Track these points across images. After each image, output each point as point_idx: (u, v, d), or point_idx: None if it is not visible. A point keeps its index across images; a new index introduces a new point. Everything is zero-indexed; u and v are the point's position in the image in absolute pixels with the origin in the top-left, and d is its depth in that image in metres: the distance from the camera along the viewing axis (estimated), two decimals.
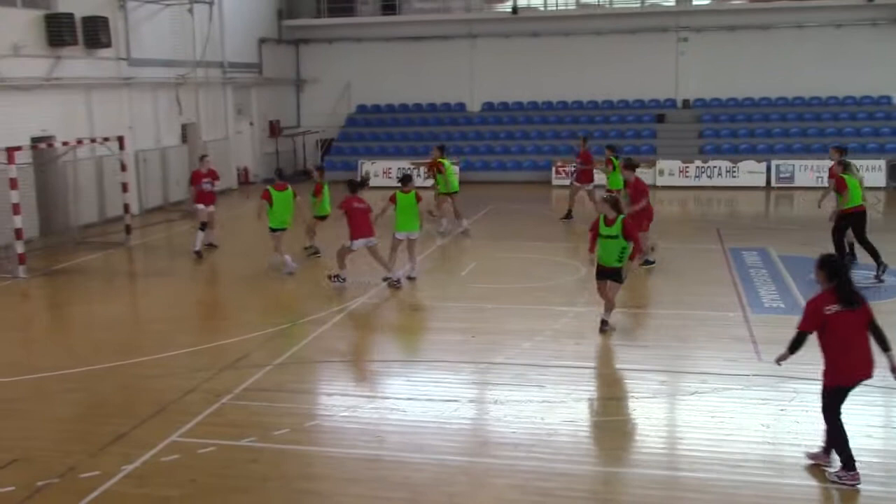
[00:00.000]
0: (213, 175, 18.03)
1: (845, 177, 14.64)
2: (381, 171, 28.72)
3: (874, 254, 14.27)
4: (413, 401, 9.48)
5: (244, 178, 30.02)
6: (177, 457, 8.00)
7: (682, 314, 12.67)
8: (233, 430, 8.62)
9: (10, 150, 16.24)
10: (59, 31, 20.50)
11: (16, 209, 16.13)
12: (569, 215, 20.67)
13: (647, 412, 9.00)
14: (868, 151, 27.42)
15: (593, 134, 30.08)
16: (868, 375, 7.38)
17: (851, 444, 7.35)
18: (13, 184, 16.14)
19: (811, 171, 26.61)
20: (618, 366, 10.42)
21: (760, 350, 10.70)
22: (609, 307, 11.66)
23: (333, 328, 12.23)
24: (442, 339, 11.91)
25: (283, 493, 7.36)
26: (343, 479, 7.81)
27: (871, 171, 26.27)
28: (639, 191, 14.93)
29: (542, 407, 9.10)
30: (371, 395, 9.99)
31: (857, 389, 7.46)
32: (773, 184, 26.87)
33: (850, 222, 14.62)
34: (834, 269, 7.41)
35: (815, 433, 8.24)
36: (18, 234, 16.00)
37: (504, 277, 15.14)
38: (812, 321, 7.37)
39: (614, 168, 18.59)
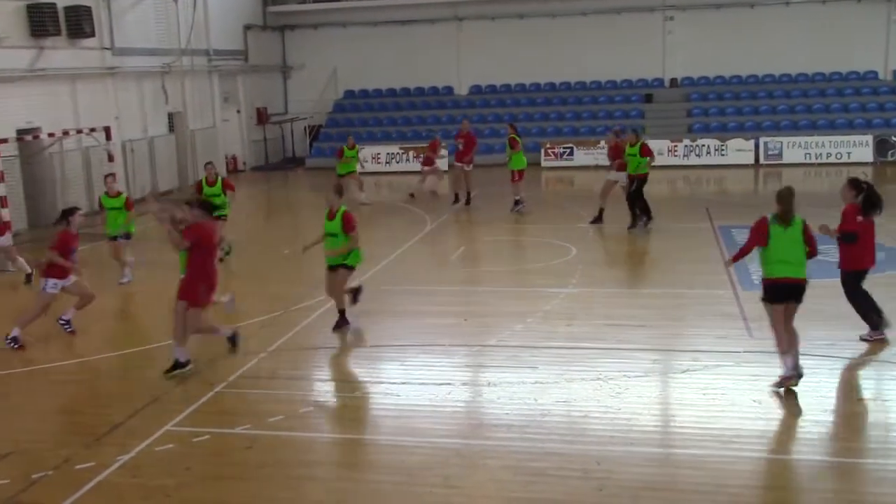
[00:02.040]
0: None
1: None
2: (370, 157, 28.65)
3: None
4: (407, 385, 9.50)
5: (232, 167, 29.91)
6: (172, 446, 8.01)
7: (672, 293, 12.72)
8: (227, 417, 8.64)
9: None
10: (41, 21, 20.34)
11: (3, 202, 16.06)
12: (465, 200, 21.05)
13: (639, 391, 9.04)
14: (855, 127, 27.54)
15: (582, 115, 30.16)
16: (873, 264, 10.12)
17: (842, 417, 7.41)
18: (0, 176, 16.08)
19: (799, 148, 26.71)
20: (610, 346, 10.45)
21: (751, 327, 10.75)
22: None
23: (325, 315, 12.22)
24: (434, 322, 11.92)
25: (279, 480, 7.38)
26: (339, 464, 7.85)
27: (858, 147, 26.41)
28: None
29: (535, 388, 9.13)
30: (365, 380, 10.01)
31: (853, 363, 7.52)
32: (762, 161, 26.94)
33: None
34: (860, 188, 9.95)
35: (807, 407, 8.32)
36: (4, 227, 15.89)
37: (494, 261, 15.15)
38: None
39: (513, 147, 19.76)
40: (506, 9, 31.28)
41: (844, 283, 10.15)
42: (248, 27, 31.04)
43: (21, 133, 18.92)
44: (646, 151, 17.15)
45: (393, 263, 15.10)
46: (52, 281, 11.14)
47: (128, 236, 14.84)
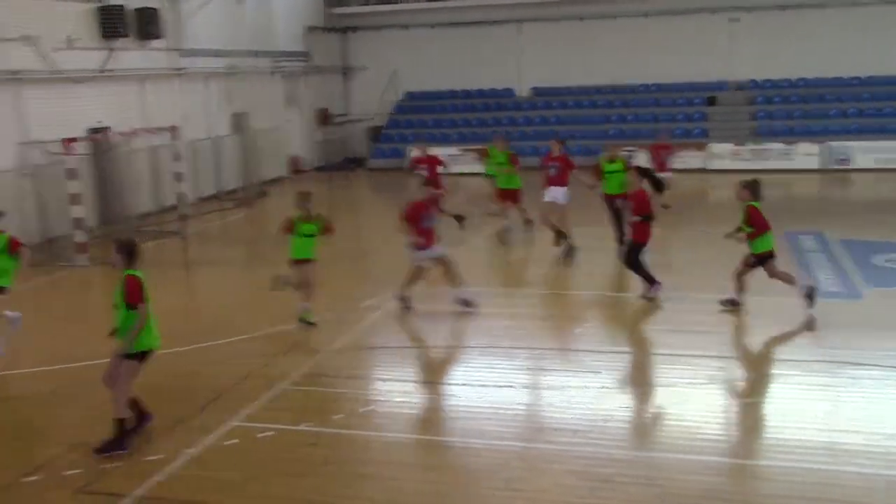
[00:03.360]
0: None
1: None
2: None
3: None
4: (468, 386, 9.51)
5: (295, 167, 30.28)
6: (237, 441, 8.14)
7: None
8: (291, 414, 8.74)
9: (68, 141, 16.61)
10: (111, 23, 20.84)
11: (74, 199, 16.49)
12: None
13: (703, 398, 8.92)
14: None
15: (643, 118, 29.83)
16: None
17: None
18: (71, 174, 16.50)
19: (869, 153, 26.05)
20: (674, 352, 10.32)
21: (819, 335, 10.53)
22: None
23: (388, 314, 12.30)
24: (496, 324, 11.90)
25: (342, 477, 7.44)
26: (399, 464, 7.88)
27: None
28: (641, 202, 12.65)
29: (599, 393, 9.06)
30: (426, 380, 10.05)
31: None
32: (830, 166, 26.34)
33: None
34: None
35: (872, 419, 8.11)
36: (78, 223, 16.34)
37: (556, 264, 15.07)
38: None
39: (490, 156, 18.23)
40: (566, 11, 31.09)
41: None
42: (310, 29, 31.40)
43: (91, 132, 19.41)
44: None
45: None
46: None
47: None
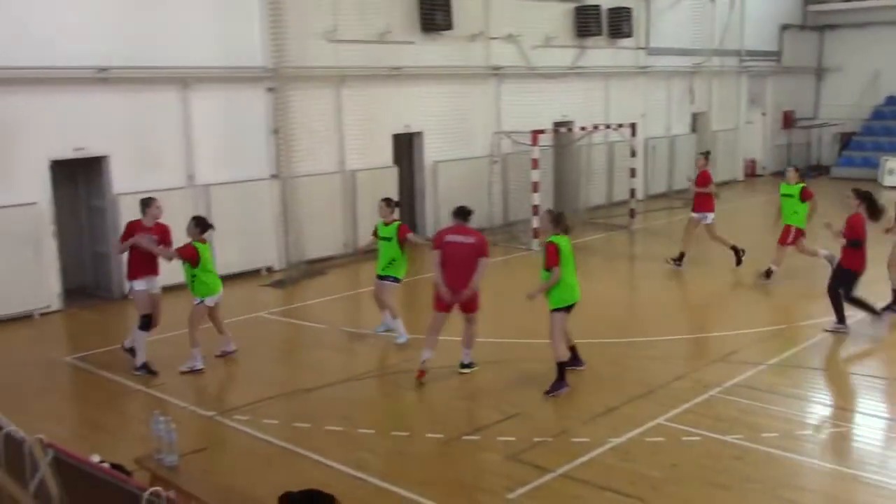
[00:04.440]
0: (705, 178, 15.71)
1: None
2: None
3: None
4: None
5: (751, 171, 29.23)
6: (661, 439, 8.13)
7: None
8: (719, 423, 8.49)
9: (535, 133, 17.82)
10: (585, 23, 21.88)
11: (535, 187, 17.66)
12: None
13: None
14: None
15: None
16: None
17: None
18: (534, 163, 17.69)
19: None
20: None
21: None
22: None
23: (834, 335, 11.38)
24: None
25: (764, 498, 7.06)
26: (831, 496, 7.26)
27: None
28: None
29: None
30: (873, 412, 9.11)
31: None
32: None
33: None
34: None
35: None
36: (535, 210, 17.47)
37: None
38: None
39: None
40: None
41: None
42: (784, 27, 29.92)
43: (556, 125, 20.59)
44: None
45: None
46: None
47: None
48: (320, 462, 7.77)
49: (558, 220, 9.56)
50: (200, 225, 10.35)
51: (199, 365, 10.37)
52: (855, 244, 11.30)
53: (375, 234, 11.59)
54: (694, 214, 15.74)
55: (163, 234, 10.54)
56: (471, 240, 9.84)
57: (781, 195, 14.48)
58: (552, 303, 9.49)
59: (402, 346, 11.24)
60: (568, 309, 9.55)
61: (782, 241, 14.29)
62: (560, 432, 8.35)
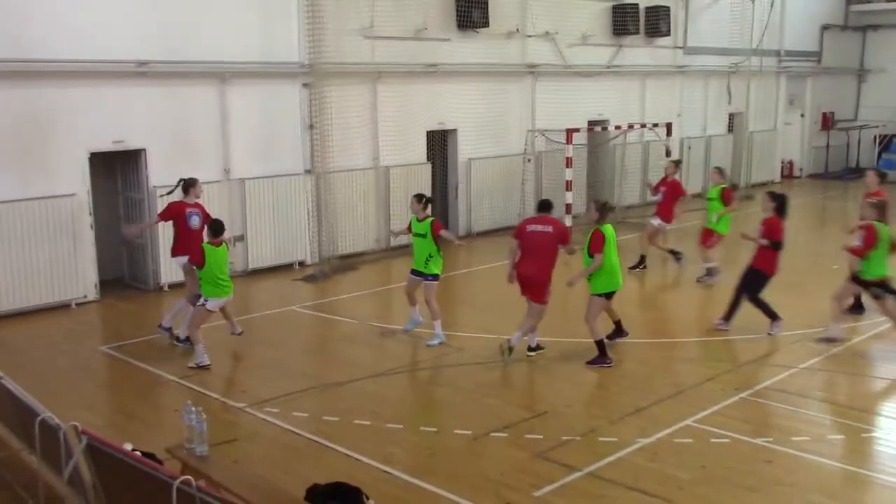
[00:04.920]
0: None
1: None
2: None
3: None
4: None
5: (788, 172, 28.91)
6: (690, 441, 8.08)
7: None
8: (748, 426, 8.43)
9: (570, 132, 17.77)
10: (623, 21, 21.76)
11: (568, 185, 17.61)
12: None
13: None
14: None
15: None
16: None
17: None
18: (568, 162, 17.65)
19: None
20: None
21: None
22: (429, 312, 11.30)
23: (871, 339, 11.25)
24: None
25: (794, 502, 6.99)
26: (860, 503, 7.18)
27: None
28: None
29: None
30: None
31: None
32: None
33: None
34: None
35: None
36: (568, 208, 17.43)
37: None
38: None
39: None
40: None
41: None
42: (825, 27, 29.53)
43: (591, 124, 20.51)
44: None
45: None
46: None
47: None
48: (349, 455, 7.83)
49: (604, 210, 10.28)
50: (212, 229, 10.47)
51: (206, 361, 10.40)
52: (777, 245, 11.37)
53: (410, 229, 11.66)
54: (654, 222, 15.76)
55: (203, 212, 11.23)
56: (549, 229, 10.32)
57: (707, 199, 15.06)
58: (595, 288, 10.23)
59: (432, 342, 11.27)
60: (609, 295, 10.30)
61: (703, 243, 14.85)
62: (588, 431, 8.34)
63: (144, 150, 14.19)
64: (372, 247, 17.10)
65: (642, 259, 15.83)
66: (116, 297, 14.07)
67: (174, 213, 11.14)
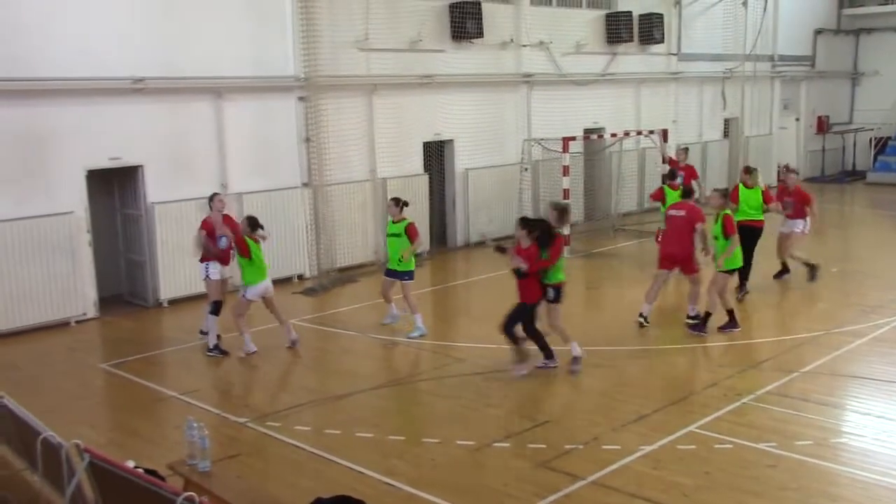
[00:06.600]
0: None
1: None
2: None
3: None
4: None
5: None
6: (693, 447, 8.07)
7: None
8: (752, 431, 8.42)
9: (566, 140, 17.78)
10: (616, 29, 21.82)
11: (565, 194, 17.61)
12: None
13: None
14: None
15: None
16: None
17: None
18: (565, 171, 17.65)
19: None
20: None
21: None
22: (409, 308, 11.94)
23: (872, 342, 11.25)
24: None
25: None
26: None
27: None
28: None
29: None
30: None
31: None
32: None
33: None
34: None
35: None
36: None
37: None
38: None
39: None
40: None
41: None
42: (818, 31, 29.63)
43: (587, 132, 20.54)
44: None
45: None
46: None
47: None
48: (351, 468, 7.81)
49: (725, 197, 11.79)
50: (251, 224, 11.39)
51: (252, 348, 11.38)
52: (525, 275, 10.05)
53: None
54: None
55: (231, 222, 11.91)
56: (682, 213, 11.95)
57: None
58: (724, 265, 11.52)
59: (433, 353, 11.26)
60: (732, 272, 11.80)
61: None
62: (591, 439, 8.32)
63: (142, 166, 14.20)
64: (371, 259, 17.09)
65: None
66: (116, 314, 14.05)
67: (206, 227, 11.77)
